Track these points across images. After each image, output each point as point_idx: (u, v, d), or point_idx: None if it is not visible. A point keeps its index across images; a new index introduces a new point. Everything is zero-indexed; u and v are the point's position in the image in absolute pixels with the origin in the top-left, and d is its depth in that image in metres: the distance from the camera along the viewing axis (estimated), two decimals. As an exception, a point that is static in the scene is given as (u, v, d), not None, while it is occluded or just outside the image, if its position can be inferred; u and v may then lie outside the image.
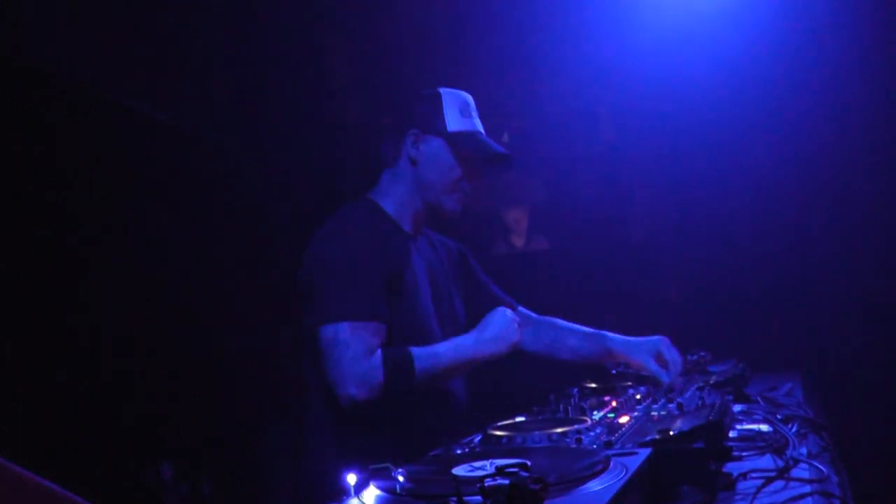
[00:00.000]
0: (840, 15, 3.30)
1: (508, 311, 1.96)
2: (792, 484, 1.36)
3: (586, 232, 4.02)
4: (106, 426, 2.46)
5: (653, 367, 2.07)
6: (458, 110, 2.06)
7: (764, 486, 1.34)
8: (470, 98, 2.12)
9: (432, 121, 2.03)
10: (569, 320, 2.39)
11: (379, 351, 1.79)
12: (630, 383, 2.16)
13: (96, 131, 2.62)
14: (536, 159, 4.05)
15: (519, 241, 4.19)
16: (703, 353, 2.49)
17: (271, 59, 3.23)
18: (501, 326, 1.92)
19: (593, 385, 2.21)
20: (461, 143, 2.03)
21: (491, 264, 2.48)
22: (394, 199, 2.07)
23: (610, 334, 2.23)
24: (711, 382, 2.07)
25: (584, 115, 4.08)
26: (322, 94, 3.61)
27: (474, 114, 2.11)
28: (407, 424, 1.83)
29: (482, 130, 2.11)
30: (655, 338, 2.13)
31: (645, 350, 2.10)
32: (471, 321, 2.08)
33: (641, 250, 3.95)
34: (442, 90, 2.08)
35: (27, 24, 2.42)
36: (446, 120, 2.03)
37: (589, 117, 4.10)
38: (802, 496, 1.29)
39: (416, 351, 1.83)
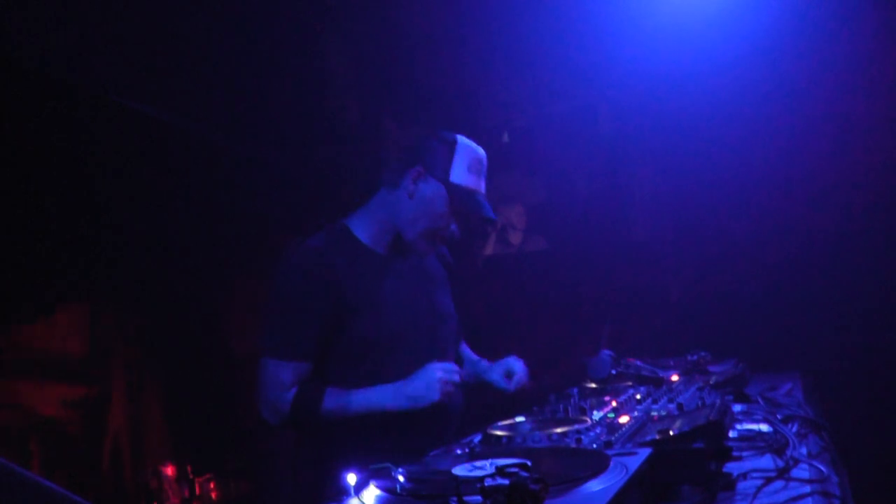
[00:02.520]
0: (841, 16, 3.30)
1: (438, 372, 1.98)
2: (792, 484, 1.36)
3: (586, 232, 4.03)
4: (106, 426, 2.46)
5: (500, 381, 2.20)
6: (467, 165, 2.10)
7: (764, 486, 1.35)
8: (483, 155, 2.16)
9: (439, 165, 2.08)
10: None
11: (295, 388, 1.94)
12: (630, 383, 2.16)
13: (96, 131, 2.62)
14: (536, 159, 4.06)
15: (516, 240, 4.19)
16: (703, 353, 2.49)
17: (271, 58, 3.23)
18: (423, 387, 1.97)
19: (593, 385, 2.22)
20: (459, 196, 2.08)
21: (490, 264, 2.48)
22: (373, 223, 2.11)
23: (481, 361, 2.37)
24: (711, 382, 2.07)
25: (585, 114, 4.08)
26: (322, 95, 3.61)
27: (482, 172, 2.16)
28: (396, 433, 1.92)
29: (483, 191, 2.16)
30: (507, 358, 2.26)
31: (497, 369, 2.24)
32: None
33: (641, 250, 3.95)
34: (459, 139, 2.12)
35: (27, 24, 2.42)
36: (453, 169, 2.08)
37: (589, 116, 4.10)
38: (802, 496, 1.29)
39: (329, 393, 1.94)
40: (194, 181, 2.96)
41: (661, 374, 2.23)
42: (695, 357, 2.45)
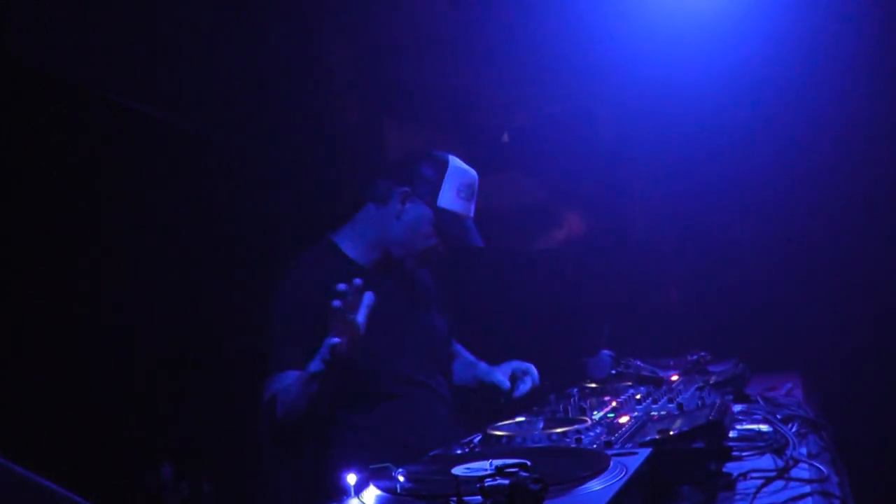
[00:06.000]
0: (842, 17, 3.30)
1: None
2: (792, 484, 1.37)
3: (586, 232, 4.02)
4: (106, 426, 2.46)
5: (504, 383, 2.21)
6: (457, 189, 2.09)
7: (764, 486, 1.35)
8: (475, 179, 2.14)
9: (427, 188, 2.07)
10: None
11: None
12: (630, 383, 2.16)
13: (96, 131, 2.62)
14: (536, 159, 4.05)
15: (560, 237, 4.15)
16: (703, 353, 2.49)
17: (271, 58, 3.23)
18: None
19: (593, 385, 2.22)
20: (446, 221, 2.07)
21: (490, 264, 2.49)
22: (360, 239, 2.11)
23: (480, 364, 2.36)
24: (711, 382, 2.07)
25: (585, 114, 4.08)
26: (322, 95, 3.61)
27: (472, 196, 2.14)
28: (387, 429, 1.93)
29: (471, 216, 2.14)
30: (510, 362, 2.27)
31: (500, 371, 2.25)
32: None
33: (641, 250, 3.95)
34: (451, 160, 2.10)
35: (27, 24, 2.42)
36: (441, 193, 2.07)
37: (590, 117, 4.09)
38: (802, 496, 1.29)
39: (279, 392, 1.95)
40: (193, 181, 2.96)
41: (661, 374, 2.23)
42: (695, 357, 2.45)
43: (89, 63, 2.58)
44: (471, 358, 2.40)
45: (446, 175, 2.08)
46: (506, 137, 4.08)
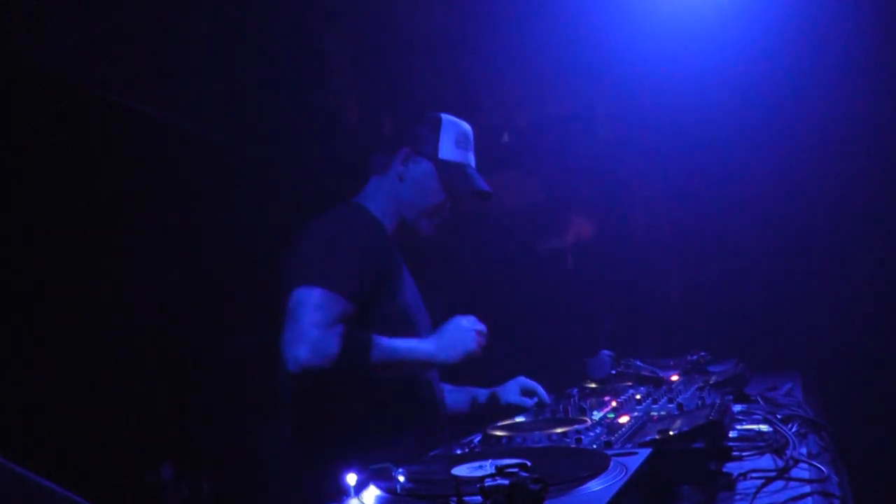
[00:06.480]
0: (842, 16, 3.30)
1: (466, 321, 1.99)
2: (792, 484, 1.36)
3: (586, 232, 4.03)
4: (106, 426, 2.46)
5: (522, 399, 2.19)
6: (454, 140, 2.12)
7: (764, 486, 1.34)
8: (469, 130, 2.17)
9: (426, 143, 2.09)
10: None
11: (341, 326, 1.79)
12: (630, 383, 2.16)
13: (96, 131, 2.62)
14: (536, 159, 4.05)
15: (568, 240, 4.15)
16: (703, 353, 2.49)
17: (271, 59, 3.23)
18: (459, 338, 1.96)
19: (593, 385, 2.22)
20: (449, 171, 2.09)
21: (490, 264, 2.49)
22: (378, 205, 2.11)
23: (472, 389, 2.34)
24: (711, 382, 2.07)
25: (585, 114, 4.08)
26: (322, 95, 3.61)
27: (470, 146, 2.17)
28: (381, 419, 1.90)
29: (473, 164, 2.16)
30: (515, 379, 2.25)
31: (510, 390, 2.22)
32: None
33: (641, 250, 3.95)
34: (443, 116, 2.14)
35: (27, 24, 2.42)
36: (440, 146, 2.09)
37: (589, 117, 4.09)
38: (802, 496, 1.29)
39: (376, 339, 1.85)
40: (194, 181, 2.96)
41: (661, 374, 2.23)
42: (695, 357, 2.45)
43: (89, 63, 2.58)
44: (448, 385, 2.34)
45: (441, 129, 2.11)
46: (506, 137, 4.07)
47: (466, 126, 2.17)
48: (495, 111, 4.12)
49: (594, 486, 1.04)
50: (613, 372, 2.29)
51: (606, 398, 1.89)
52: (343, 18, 3.59)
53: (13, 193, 2.33)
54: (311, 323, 1.74)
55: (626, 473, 1.08)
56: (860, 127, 3.40)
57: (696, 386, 1.99)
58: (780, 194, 3.58)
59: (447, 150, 2.10)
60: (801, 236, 3.55)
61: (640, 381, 2.17)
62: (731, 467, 1.45)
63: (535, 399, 2.18)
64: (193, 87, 2.91)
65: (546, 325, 3.66)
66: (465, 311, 2.09)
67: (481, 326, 2.00)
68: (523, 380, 2.23)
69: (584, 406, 1.76)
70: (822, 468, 1.44)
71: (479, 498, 0.90)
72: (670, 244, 3.89)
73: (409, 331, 2.00)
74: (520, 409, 2.12)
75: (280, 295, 1.92)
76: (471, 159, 2.16)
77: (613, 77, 3.77)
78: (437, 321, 2.17)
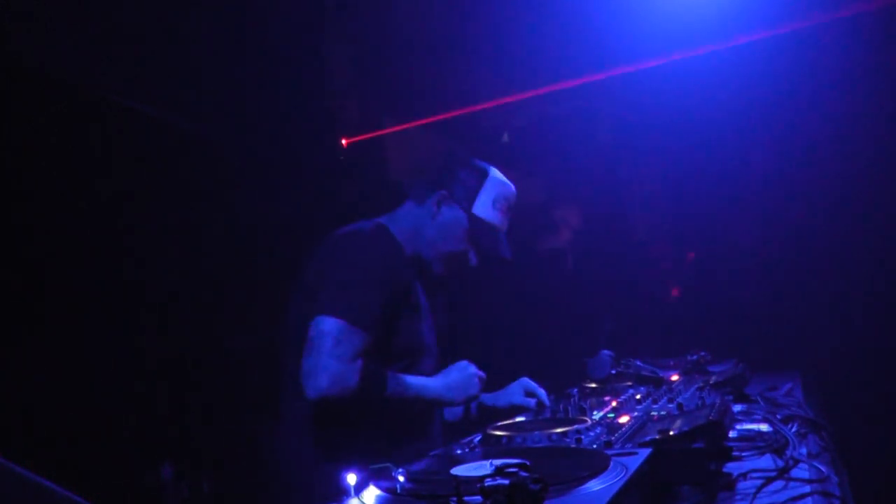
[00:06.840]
0: (842, 16, 3.30)
1: (471, 367, 2.04)
2: (792, 484, 1.37)
3: (586, 231, 4.02)
4: (106, 426, 2.46)
5: (525, 400, 2.19)
6: (493, 199, 2.11)
7: (764, 486, 1.35)
8: (512, 193, 2.16)
9: (465, 194, 2.09)
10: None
11: (360, 361, 1.84)
12: (630, 383, 2.16)
13: (96, 131, 2.62)
14: (536, 159, 4.06)
15: (566, 237, 4.15)
16: (703, 353, 2.49)
17: (271, 58, 3.23)
18: (463, 380, 2.02)
19: (593, 385, 2.22)
20: (478, 229, 2.09)
21: (489, 265, 2.49)
22: (404, 231, 2.11)
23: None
24: (711, 382, 2.07)
25: (585, 114, 4.08)
26: (322, 95, 3.61)
27: (508, 210, 2.16)
28: (381, 422, 1.91)
29: (504, 229, 2.16)
30: (519, 380, 2.26)
31: (512, 392, 2.23)
32: None
33: (641, 250, 3.95)
34: (491, 172, 2.13)
35: (27, 24, 2.42)
36: (477, 202, 2.09)
37: (589, 117, 4.10)
38: (802, 496, 1.29)
39: (391, 375, 1.91)
40: (194, 181, 2.96)
41: (661, 374, 2.24)
42: (695, 357, 2.45)
43: (89, 63, 2.58)
44: None
45: (485, 184, 2.11)
46: (506, 137, 4.08)
47: (511, 188, 2.16)
48: (495, 111, 4.12)
49: (594, 485, 1.04)
50: (613, 372, 2.29)
51: (606, 398, 1.89)
52: (343, 18, 3.59)
53: (13, 193, 2.33)
54: (333, 355, 1.80)
55: (626, 473, 1.08)
56: (860, 127, 3.40)
57: (696, 386, 1.99)
58: (780, 194, 3.59)
59: (483, 208, 2.09)
60: (801, 236, 3.55)
61: (640, 381, 2.17)
62: (731, 467, 1.45)
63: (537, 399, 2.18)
64: (193, 87, 2.91)
65: (546, 325, 3.66)
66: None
67: (482, 374, 2.06)
68: (527, 381, 2.23)
69: (584, 406, 1.76)
70: (822, 468, 1.44)
71: (479, 498, 0.90)
72: (670, 244, 3.89)
73: (418, 356, 2.04)
74: (522, 410, 2.13)
75: (290, 302, 1.99)
76: (504, 223, 2.16)
77: (613, 77, 3.77)
78: (438, 323, 2.18)
